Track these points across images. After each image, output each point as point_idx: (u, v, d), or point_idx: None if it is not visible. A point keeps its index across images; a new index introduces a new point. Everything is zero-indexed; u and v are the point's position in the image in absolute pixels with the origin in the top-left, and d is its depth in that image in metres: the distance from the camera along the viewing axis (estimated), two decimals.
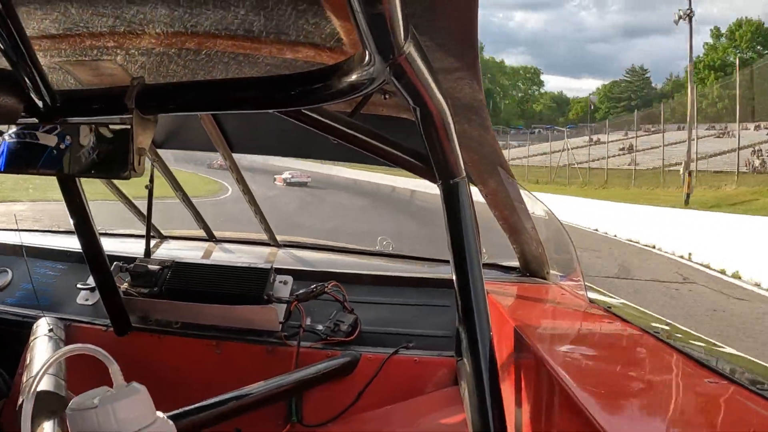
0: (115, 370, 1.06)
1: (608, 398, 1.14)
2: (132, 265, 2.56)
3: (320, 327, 2.48)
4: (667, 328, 1.67)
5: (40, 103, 1.22)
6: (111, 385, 1.06)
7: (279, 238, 3.41)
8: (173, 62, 1.36)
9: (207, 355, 2.48)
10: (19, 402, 1.79)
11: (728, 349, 1.51)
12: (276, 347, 2.43)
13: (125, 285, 2.51)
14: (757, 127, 34.77)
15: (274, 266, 2.60)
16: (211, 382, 2.22)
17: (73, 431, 1.01)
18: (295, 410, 2.37)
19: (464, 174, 1.38)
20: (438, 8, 1.03)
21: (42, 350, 2.18)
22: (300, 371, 2.32)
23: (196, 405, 2.02)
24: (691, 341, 1.55)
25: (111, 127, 1.24)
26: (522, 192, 2.09)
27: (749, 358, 1.43)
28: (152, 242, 2.91)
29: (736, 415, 1.04)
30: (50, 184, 2.09)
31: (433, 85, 1.16)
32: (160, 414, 1.09)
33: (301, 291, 2.51)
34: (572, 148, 43.53)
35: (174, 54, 1.31)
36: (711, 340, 1.60)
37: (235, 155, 2.88)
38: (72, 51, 1.29)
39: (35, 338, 2.28)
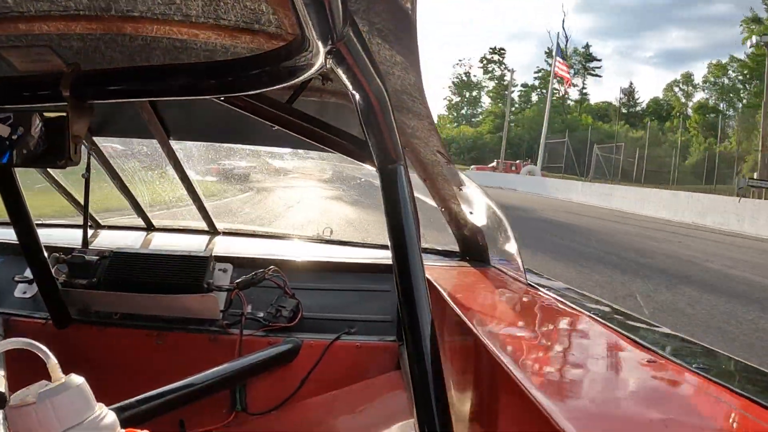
0: (52, 363, 1.04)
1: (548, 379, 1.16)
2: (70, 255, 2.50)
3: (261, 314, 2.47)
4: (606, 309, 1.73)
5: None
6: (51, 380, 1.03)
7: (218, 226, 3.37)
8: (110, 48, 1.33)
9: (148, 346, 2.44)
10: None
11: (666, 330, 1.56)
12: (218, 336, 2.42)
13: (63, 276, 2.45)
14: None
15: (214, 254, 2.57)
16: (154, 373, 2.19)
17: (12, 428, 0.99)
18: (239, 399, 2.37)
19: (403, 159, 1.39)
20: None
21: None
22: (242, 360, 2.32)
23: (139, 397, 1.99)
24: (630, 322, 1.60)
25: (46, 115, 1.20)
26: (461, 177, 2.11)
27: (686, 337, 1.48)
28: (90, 232, 2.83)
29: (673, 392, 1.08)
30: None
31: (372, 71, 1.16)
32: (101, 406, 1.07)
33: (241, 278, 2.49)
34: None
35: (110, 40, 1.28)
36: (650, 321, 1.65)
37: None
38: (5, 36, 1.25)
39: None
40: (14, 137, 1.19)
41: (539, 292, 1.93)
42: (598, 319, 1.55)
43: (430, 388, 1.25)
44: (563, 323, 1.65)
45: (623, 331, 1.42)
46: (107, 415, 1.06)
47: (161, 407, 2.04)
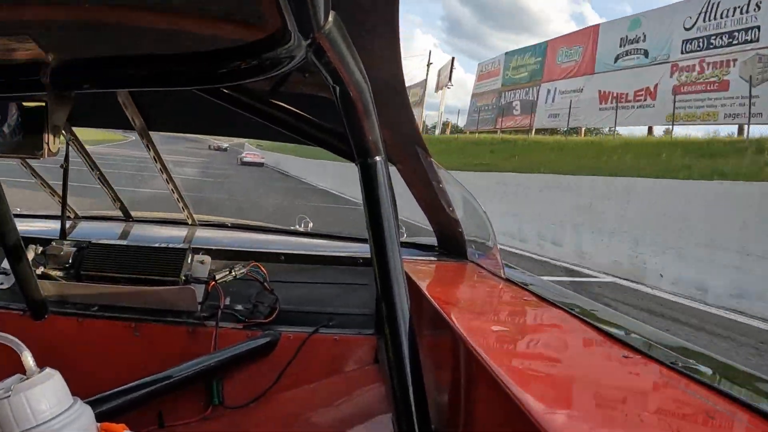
0: (26, 356, 1.03)
1: (525, 373, 1.17)
2: (47, 246, 2.48)
3: (239, 307, 2.46)
4: (583, 305, 1.74)
5: None
6: (26, 373, 1.03)
7: (197, 217, 3.35)
8: (91, 38, 1.31)
9: (125, 338, 2.43)
10: None
11: (643, 326, 1.57)
12: (195, 328, 2.41)
13: (41, 268, 2.43)
14: None
15: (192, 246, 2.56)
16: (131, 365, 2.19)
17: None
18: (216, 392, 2.36)
19: (382, 153, 1.39)
20: None
21: None
22: (220, 352, 2.31)
23: (116, 389, 1.98)
24: (607, 318, 1.61)
25: (25, 104, 1.19)
26: (440, 171, 2.12)
27: (663, 333, 1.50)
28: (68, 223, 2.80)
29: (649, 387, 1.09)
30: None
31: (352, 63, 1.16)
32: (77, 399, 1.06)
33: (219, 271, 2.48)
34: None
35: (92, 29, 1.26)
36: (627, 317, 1.66)
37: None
38: None
39: None
40: None
41: (516, 287, 1.93)
42: (575, 314, 1.56)
43: (408, 381, 1.25)
44: (540, 318, 1.66)
45: (599, 326, 1.43)
46: (82, 408, 1.06)
47: (138, 400, 2.03)
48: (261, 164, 45.92)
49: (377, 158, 1.38)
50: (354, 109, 1.28)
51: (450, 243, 2.58)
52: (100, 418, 1.09)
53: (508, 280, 2.03)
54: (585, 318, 1.51)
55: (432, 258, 2.62)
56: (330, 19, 0.96)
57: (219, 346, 2.36)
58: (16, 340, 1.03)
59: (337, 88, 1.21)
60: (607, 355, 1.27)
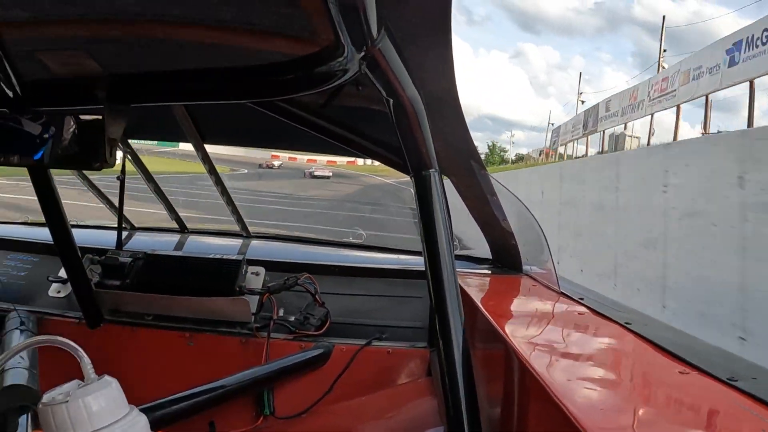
0: (85, 362, 1.05)
1: (580, 388, 1.15)
2: (104, 257, 2.54)
3: (292, 318, 2.48)
4: (639, 319, 1.69)
5: (9, 93, 1.20)
6: (83, 379, 1.05)
7: (251, 229, 3.39)
8: (145, 52, 1.34)
9: (180, 347, 2.47)
10: None
11: (701, 341, 1.51)
12: (249, 339, 2.43)
13: (97, 277, 2.49)
14: None
15: (246, 257, 2.59)
16: (185, 375, 2.22)
17: (44, 426, 1.00)
18: (267, 402, 2.37)
19: (436, 166, 1.39)
20: None
21: (13, 344, 2.15)
22: (273, 363, 2.33)
23: (169, 397, 2.01)
24: (663, 332, 1.56)
25: (83, 117, 1.22)
26: (494, 184, 2.09)
27: (721, 348, 1.44)
28: (124, 234, 2.87)
29: (705, 404, 1.06)
30: None
31: (406, 77, 1.16)
32: (132, 407, 1.08)
33: (273, 282, 2.50)
34: None
35: (146, 44, 1.29)
36: (684, 331, 1.61)
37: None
38: (42, 39, 1.27)
39: (6, 332, 2.24)
40: (45, 136, 1.21)
41: (572, 301, 1.90)
42: (631, 329, 1.52)
43: (461, 395, 1.23)
44: (596, 333, 1.62)
45: (656, 342, 1.38)
46: (138, 416, 1.07)
47: (191, 408, 2.06)
48: (328, 177, 51.26)
49: (431, 171, 1.37)
50: (408, 122, 1.28)
51: (504, 256, 2.55)
52: (152, 425, 1.10)
53: (563, 293, 1.99)
54: (640, 333, 1.47)
55: (486, 271, 2.59)
56: (383, 32, 0.96)
57: (270, 357, 2.37)
58: (76, 346, 1.05)
59: (391, 101, 1.22)
60: (663, 371, 1.23)
